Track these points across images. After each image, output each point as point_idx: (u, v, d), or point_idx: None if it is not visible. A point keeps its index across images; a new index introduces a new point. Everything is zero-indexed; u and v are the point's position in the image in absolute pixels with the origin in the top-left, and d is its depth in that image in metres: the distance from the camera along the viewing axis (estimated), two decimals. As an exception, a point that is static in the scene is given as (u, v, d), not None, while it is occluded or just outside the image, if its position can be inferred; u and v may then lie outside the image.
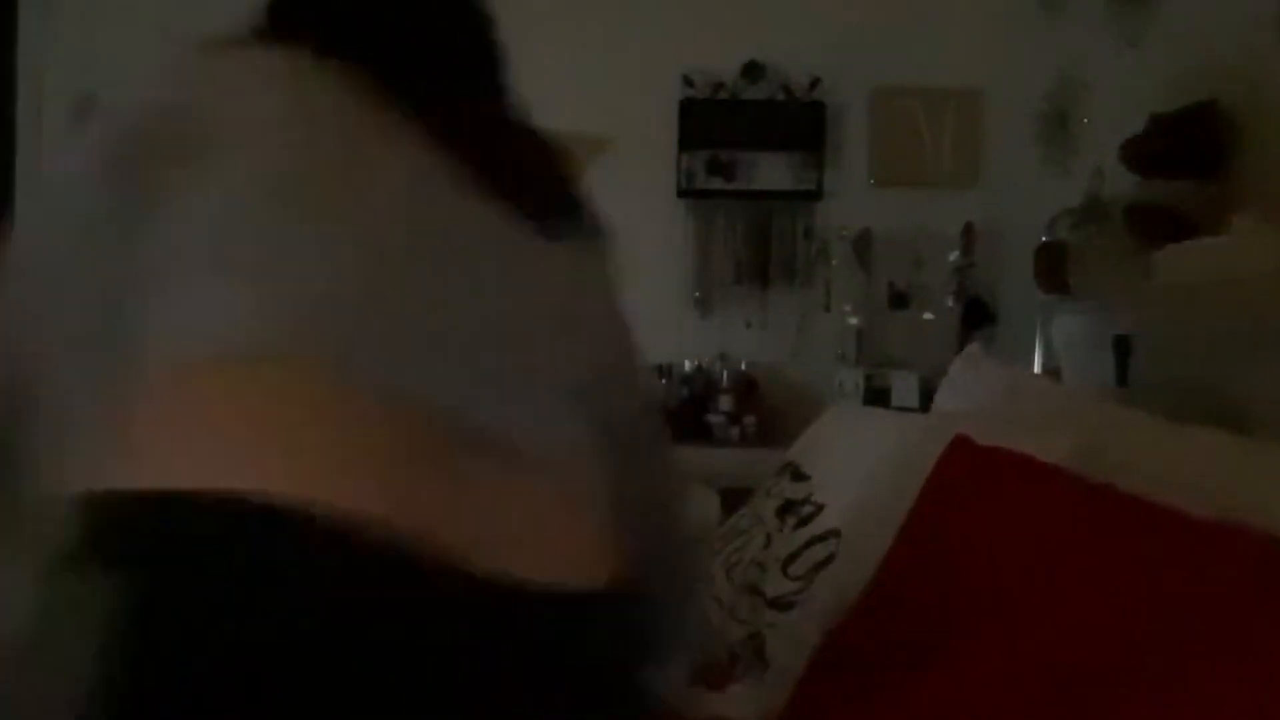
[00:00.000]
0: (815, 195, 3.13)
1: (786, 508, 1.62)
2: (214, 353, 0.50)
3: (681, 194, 3.15)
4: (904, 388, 2.79)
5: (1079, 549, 0.85)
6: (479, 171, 0.62)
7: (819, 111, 3.11)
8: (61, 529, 0.45)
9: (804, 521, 1.52)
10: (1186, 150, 1.89)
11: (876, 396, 2.82)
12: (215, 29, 0.67)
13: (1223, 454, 1.11)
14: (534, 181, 0.71)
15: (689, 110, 3.12)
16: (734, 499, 1.82)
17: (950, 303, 2.95)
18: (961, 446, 1.11)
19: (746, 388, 3.02)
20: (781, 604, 1.33)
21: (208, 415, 0.49)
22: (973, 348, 1.73)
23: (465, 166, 0.61)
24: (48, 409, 0.52)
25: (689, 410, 3.00)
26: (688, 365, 3.08)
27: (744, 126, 3.12)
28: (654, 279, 3.19)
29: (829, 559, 1.32)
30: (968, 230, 2.90)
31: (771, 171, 3.13)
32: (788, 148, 3.11)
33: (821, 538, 1.43)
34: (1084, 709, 0.67)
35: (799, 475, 1.70)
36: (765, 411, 2.94)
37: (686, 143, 3.12)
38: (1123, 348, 1.94)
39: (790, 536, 1.51)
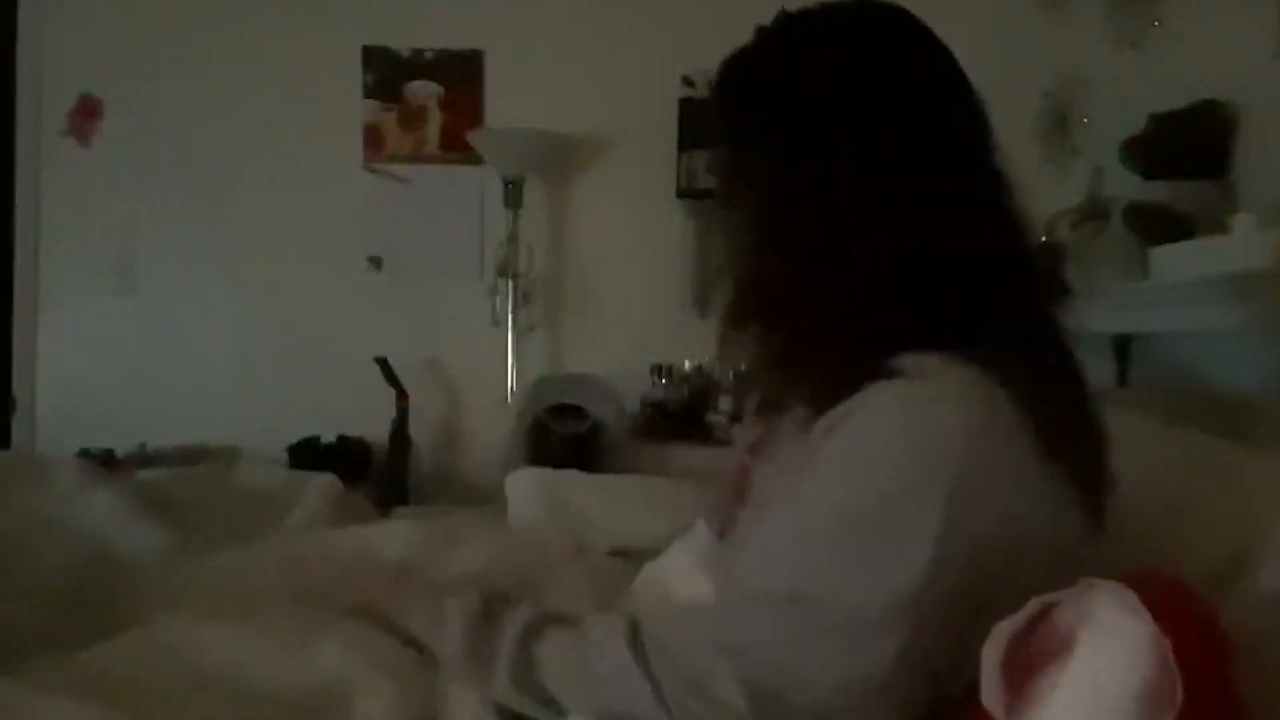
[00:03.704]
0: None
1: None
2: None
3: (681, 194, 3.15)
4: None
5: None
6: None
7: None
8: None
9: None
10: (1186, 150, 1.89)
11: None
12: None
13: (1218, 458, 1.11)
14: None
15: (689, 110, 3.12)
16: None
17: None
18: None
19: (745, 387, 3.02)
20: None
21: None
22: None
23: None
24: None
25: (689, 410, 3.00)
26: (688, 365, 3.07)
27: (744, 126, 3.11)
28: (654, 279, 3.19)
29: None
30: (968, 230, 2.89)
31: (771, 171, 3.13)
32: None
33: None
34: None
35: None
36: (765, 411, 2.93)
37: (686, 143, 3.12)
38: (1122, 348, 1.93)
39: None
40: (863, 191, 0.79)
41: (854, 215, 0.79)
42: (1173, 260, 1.80)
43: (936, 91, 0.84)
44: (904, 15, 0.87)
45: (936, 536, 0.69)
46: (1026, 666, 0.59)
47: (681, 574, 0.92)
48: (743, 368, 0.97)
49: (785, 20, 0.88)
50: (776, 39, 0.88)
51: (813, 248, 0.80)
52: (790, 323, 0.82)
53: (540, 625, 0.85)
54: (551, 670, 0.81)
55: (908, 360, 0.75)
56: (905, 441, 0.72)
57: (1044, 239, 2.20)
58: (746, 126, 0.85)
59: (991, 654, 0.61)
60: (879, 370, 0.75)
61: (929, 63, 0.85)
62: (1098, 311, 1.93)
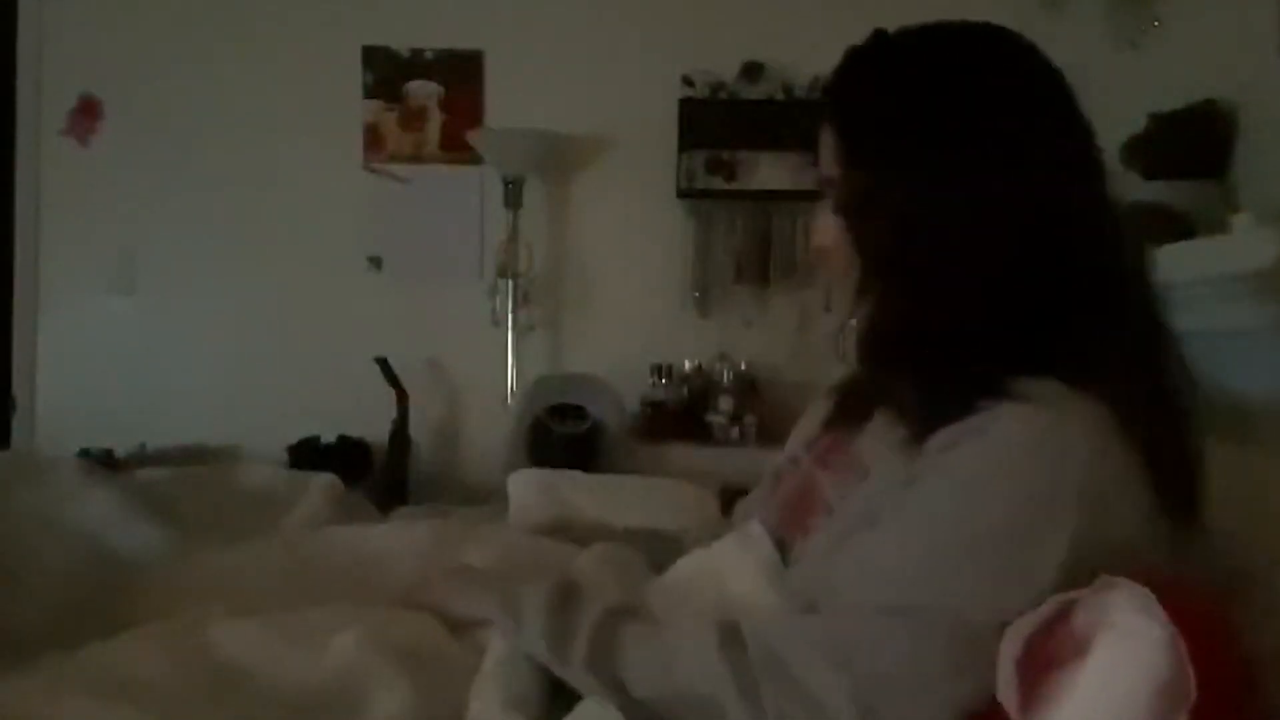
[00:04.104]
0: (815, 195, 3.11)
1: None
2: None
3: (681, 194, 3.15)
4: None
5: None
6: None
7: (819, 111, 3.10)
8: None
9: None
10: (1186, 150, 1.88)
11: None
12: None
13: (1218, 459, 1.10)
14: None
15: (689, 110, 3.12)
16: (733, 499, 1.82)
17: (950, 303, 2.93)
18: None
19: (746, 388, 3.02)
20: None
21: None
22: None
23: None
24: None
25: (689, 410, 3.00)
26: (688, 365, 3.07)
27: (744, 126, 3.11)
28: (654, 279, 3.19)
29: None
30: (968, 230, 2.89)
31: (771, 171, 3.13)
32: (787, 148, 3.11)
33: None
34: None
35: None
36: (765, 411, 2.93)
37: (686, 143, 3.12)
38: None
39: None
40: (995, 216, 0.80)
41: (988, 238, 0.80)
42: (1173, 260, 1.79)
43: (1058, 113, 0.85)
44: (1010, 34, 0.87)
45: (1060, 562, 0.69)
46: (1043, 665, 0.59)
47: (745, 580, 0.90)
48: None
49: (902, 41, 0.88)
50: (900, 59, 0.88)
51: (945, 268, 0.80)
52: (919, 335, 0.82)
53: (622, 612, 0.84)
54: (630, 657, 0.80)
55: (1026, 384, 0.76)
56: (1037, 464, 0.73)
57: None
58: (877, 149, 0.85)
59: (1008, 652, 0.61)
60: (996, 390, 0.76)
61: (1045, 81, 0.86)
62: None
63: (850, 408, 0.97)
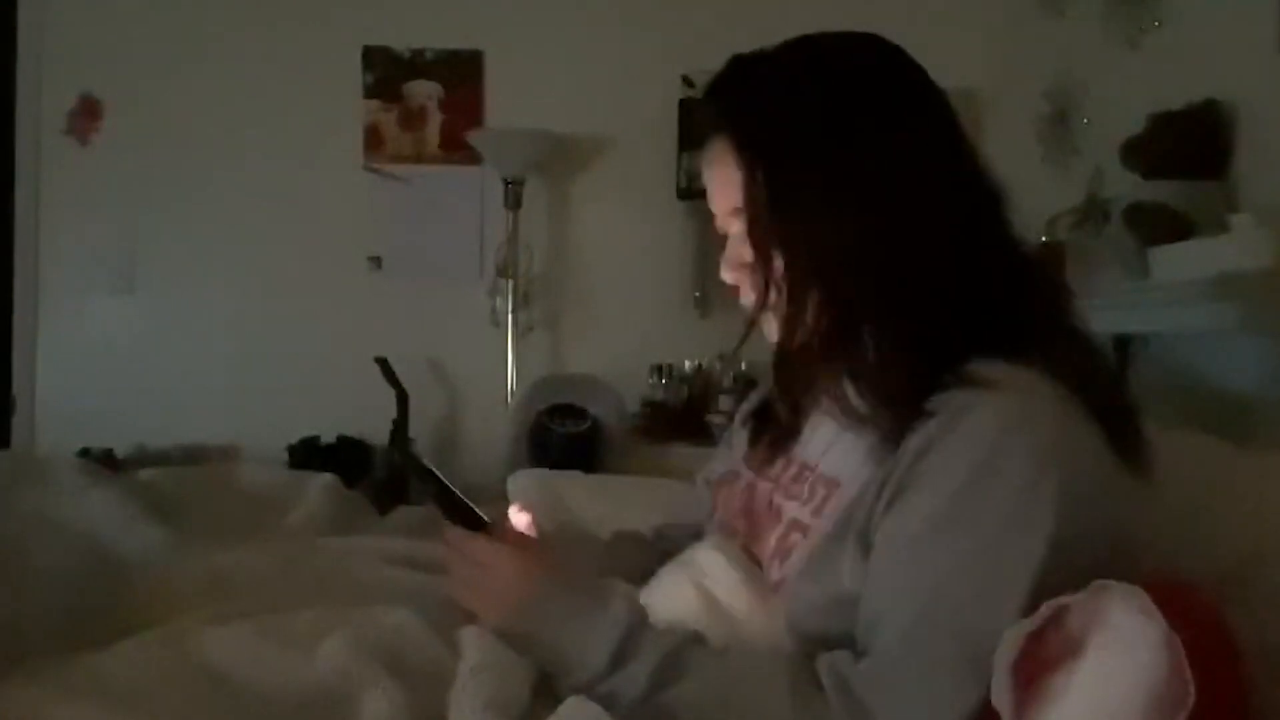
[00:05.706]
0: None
1: None
2: None
3: (681, 194, 3.14)
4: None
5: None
6: None
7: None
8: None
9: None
10: (1186, 150, 1.88)
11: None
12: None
13: (1219, 459, 1.11)
14: None
15: (689, 110, 3.11)
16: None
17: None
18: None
19: (746, 388, 3.02)
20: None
21: None
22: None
23: None
24: None
25: (689, 410, 3.00)
26: (688, 365, 3.07)
27: (744, 126, 3.11)
28: (654, 279, 3.19)
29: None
30: (968, 230, 2.88)
31: (771, 171, 3.12)
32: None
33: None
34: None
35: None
36: (765, 411, 2.93)
37: (686, 143, 3.11)
38: (1122, 348, 1.93)
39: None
40: (922, 212, 0.82)
41: (916, 231, 0.81)
42: (1173, 260, 1.79)
43: (944, 106, 0.89)
44: (880, 38, 0.92)
45: (1050, 535, 0.70)
46: (1038, 668, 0.59)
47: (735, 595, 0.88)
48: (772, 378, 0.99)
49: (800, 48, 0.93)
50: (802, 64, 0.91)
51: (879, 265, 0.81)
52: (859, 337, 0.82)
53: (671, 667, 0.80)
54: (691, 683, 0.79)
55: (979, 369, 0.76)
56: (1015, 452, 0.73)
57: (1043, 239, 2.21)
58: (790, 156, 0.84)
59: (1003, 656, 0.61)
60: (952, 378, 0.76)
61: (923, 76, 0.90)
62: (1098, 311, 1.92)
63: (773, 425, 0.97)
